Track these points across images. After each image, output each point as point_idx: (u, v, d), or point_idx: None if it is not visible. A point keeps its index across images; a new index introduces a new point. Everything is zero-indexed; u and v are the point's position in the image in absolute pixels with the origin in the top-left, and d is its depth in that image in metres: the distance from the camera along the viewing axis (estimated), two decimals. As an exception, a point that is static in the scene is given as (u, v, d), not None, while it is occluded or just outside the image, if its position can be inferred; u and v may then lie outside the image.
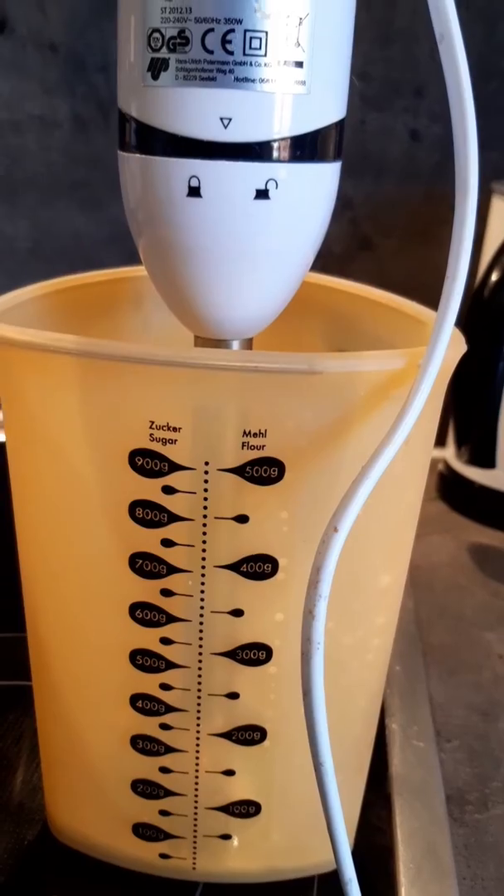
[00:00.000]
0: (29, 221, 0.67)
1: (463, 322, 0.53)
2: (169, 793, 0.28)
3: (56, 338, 0.22)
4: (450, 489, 0.62)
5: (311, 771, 0.23)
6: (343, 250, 0.66)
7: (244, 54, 0.21)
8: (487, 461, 0.53)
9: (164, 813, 0.29)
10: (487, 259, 0.53)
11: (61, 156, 0.65)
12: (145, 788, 0.28)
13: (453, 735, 0.39)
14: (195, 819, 0.29)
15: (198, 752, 0.27)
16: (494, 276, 0.51)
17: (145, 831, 0.29)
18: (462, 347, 0.24)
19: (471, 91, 0.22)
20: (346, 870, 0.22)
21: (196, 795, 0.28)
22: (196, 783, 0.28)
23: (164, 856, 0.30)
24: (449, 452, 0.62)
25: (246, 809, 0.28)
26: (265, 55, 0.21)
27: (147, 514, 0.24)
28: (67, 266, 0.76)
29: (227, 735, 0.27)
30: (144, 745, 0.27)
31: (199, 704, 0.26)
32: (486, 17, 0.59)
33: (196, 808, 0.28)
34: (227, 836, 0.29)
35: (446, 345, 0.22)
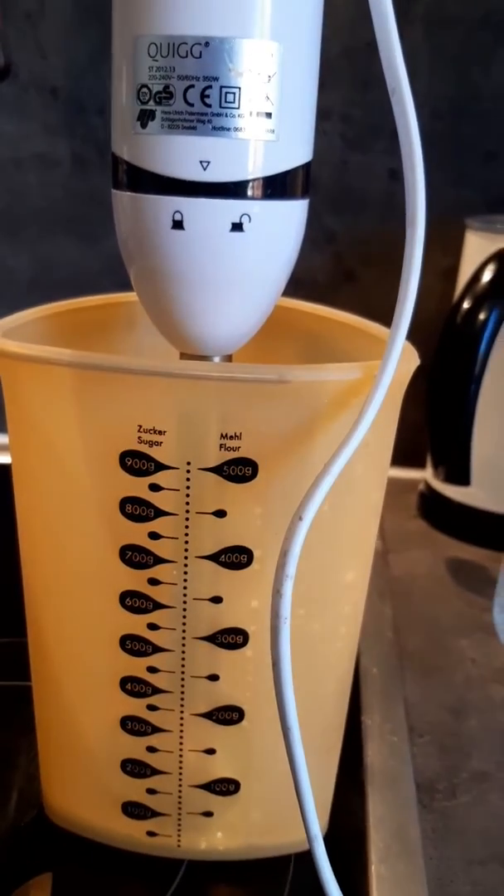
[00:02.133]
0: (29, 254, 0.71)
1: (437, 347, 0.56)
2: (155, 771, 0.31)
3: (55, 351, 0.25)
4: (429, 508, 0.65)
5: (285, 750, 0.25)
6: (328, 281, 0.70)
7: (220, 107, 0.24)
8: (463, 479, 0.56)
9: (150, 791, 0.31)
10: (461, 288, 0.57)
11: (61, 192, 0.69)
12: (134, 768, 0.31)
13: (425, 731, 0.41)
14: (179, 797, 0.31)
15: (181, 731, 0.30)
16: (466, 305, 0.54)
17: (133, 809, 0.32)
18: (415, 361, 0.27)
19: (419, 138, 0.26)
20: (311, 826, 0.25)
21: (180, 773, 0.31)
22: (180, 762, 0.30)
23: (150, 833, 0.32)
24: (428, 473, 0.65)
25: (226, 787, 0.31)
26: (238, 107, 0.24)
27: (135, 509, 0.27)
28: (65, 296, 0.79)
29: (209, 715, 0.30)
30: (133, 725, 0.30)
31: (182, 686, 0.29)
32: (459, 63, 0.63)
33: (180, 785, 0.31)
34: (209, 814, 0.31)
35: (398, 358, 0.25)
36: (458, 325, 0.54)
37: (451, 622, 0.51)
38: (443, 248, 0.66)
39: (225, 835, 0.32)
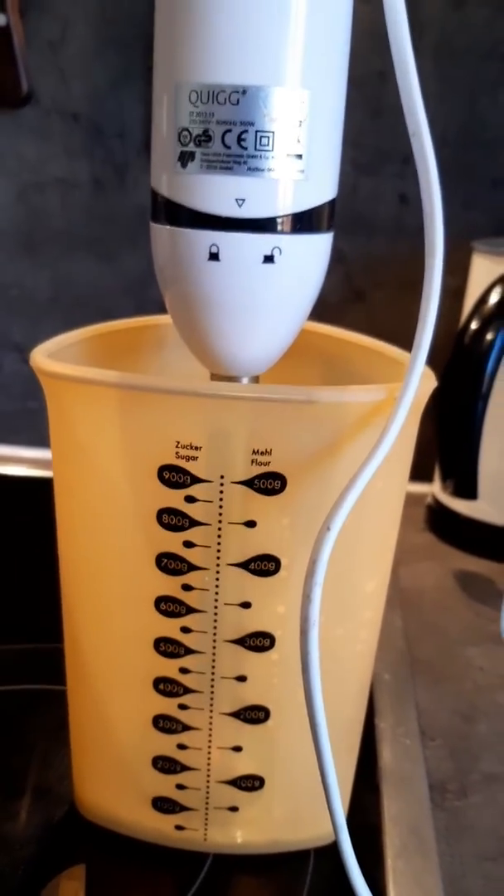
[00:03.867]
0: (50, 273, 0.73)
1: (446, 365, 0.58)
2: (184, 768, 0.32)
3: (101, 373, 0.27)
4: (437, 521, 0.67)
5: (308, 749, 0.27)
6: (338, 301, 0.72)
7: (255, 149, 0.26)
8: (470, 493, 0.58)
9: (179, 787, 0.33)
10: (468, 309, 0.59)
11: (80, 214, 0.71)
12: (164, 764, 0.32)
13: (436, 735, 0.43)
14: (207, 792, 0.33)
15: (210, 729, 0.32)
16: (473, 325, 0.57)
17: (163, 804, 0.33)
18: (432, 383, 0.29)
19: (437, 176, 0.28)
20: (336, 815, 0.27)
21: (208, 770, 0.32)
22: (208, 758, 0.32)
23: (179, 827, 0.34)
24: (436, 487, 0.67)
25: (251, 783, 0.33)
26: (272, 150, 0.26)
27: (171, 519, 0.29)
28: (84, 313, 0.82)
29: (236, 714, 0.31)
30: (165, 724, 0.32)
31: (212, 686, 0.31)
32: (469, 92, 0.65)
33: (208, 781, 0.33)
34: (234, 809, 0.33)
35: (418, 381, 0.27)
36: (467, 345, 0.56)
37: (459, 632, 0.53)
38: (451, 268, 0.67)
39: (249, 829, 0.34)
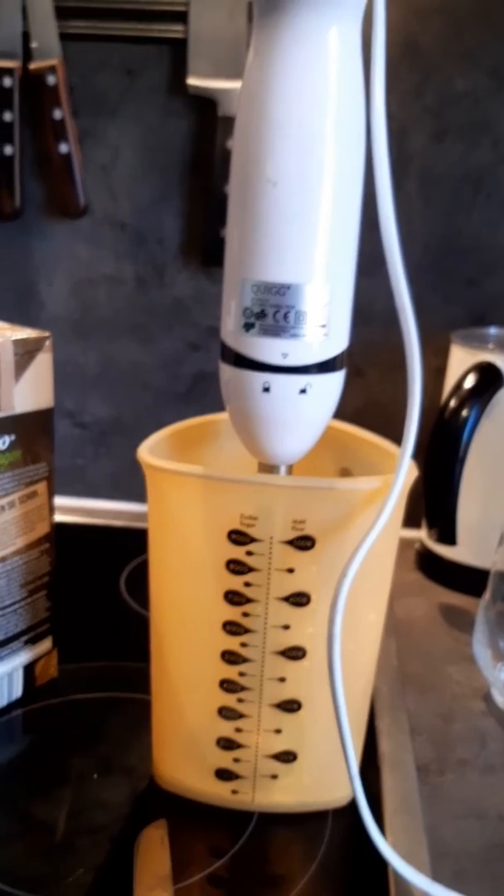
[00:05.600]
0: (97, 353, 0.86)
1: (430, 436, 0.71)
2: (239, 745, 0.45)
3: (189, 467, 0.40)
4: (425, 563, 0.79)
5: (331, 731, 0.39)
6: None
7: (295, 322, 0.39)
8: (450, 540, 0.70)
9: (236, 760, 0.45)
10: (448, 389, 0.72)
11: (125, 304, 0.85)
12: (225, 743, 0.45)
13: (422, 731, 0.55)
14: (255, 764, 0.45)
15: (259, 717, 0.44)
16: (452, 404, 0.69)
17: (223, 774, 0.46)
18: (415, 473, 0.43)
19: (408, 300, 0.41)
20: (352, 767, 0.39)
21: (257, 747, 0.45)
22: (257, 738, 0.45)
23: (234, 791, 0.46)
24: (423, 533, 0.80)
25: (288, 757, 0.45)
26: (306, 323, 0.39)
27: (235, 567, 0.41)
28: (125, 387, 0.96)
29: (278, 706, 0.44)
30: (226, 713, 0.44)
31: (261, 685, 0.44)
32: (447, 209, 0.79)
33: (256, 755, 0.45)
34: (275, 777, 0.46)
35: (405, 474, 0.40)
36: (447, 420, 0.69)
37: (441, 653, 0.65)
38: (434, 351, 0.81)
39: (286, 793, 0.46)
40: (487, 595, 0.58)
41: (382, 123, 0.38)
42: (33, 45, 0.78)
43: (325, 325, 0.39)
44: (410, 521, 0.82)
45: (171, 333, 0.84)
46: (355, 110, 0.38)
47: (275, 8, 0.36)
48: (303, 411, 0.40)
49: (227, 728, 0.45)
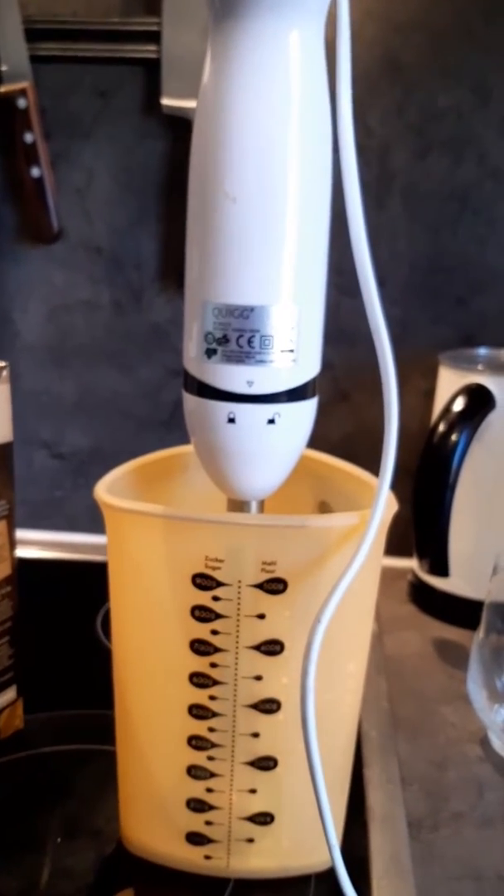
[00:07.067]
0: (75, 381, 0.84)
1: (419, 462, 0.68)
2: (212, 807, 0.41)
3: (149, 506, 0.37)
4: (417, 594, 0.76)
5: (309, 790, 0.36)
6: (327, 400, 0.81)
7: (260, 348, 0.36)
8: (442, 571, 0.67)
9: (208, 823, 0.42)
10: (437, 410, 0.69)
11: (103, 330, 0.82)
12: (195, 805, 0.41)
13: (414, 780, 0.52)
14: (229, 827, 0.42)
15: (232, 776, 0.41)
16: (441, 428, 0.67)
17: (194, 838, 0.42)
18: (394, 507, 0.39)
19: (385, 329, 0.38)
20: (330, 837, 0.36)
21: (230, 808, 0.41)
22: (230, 799, 0.41)
23: (207, 857, 0.42)
24: (416, 564, 0.77)
25: (265, 819, 0.42)
26: (272, 348, 0.36)
27: (202, 613, 0.38)
28: (103, 416, 0.93)
29: (252, 763, 0.40)
30: (196, 772, 0.41)
31: (233, 742, 0.40)
32: (433, 227, 0.77)
33: (230, 818, 0.41)
34: (251, 840, 0.42)
35: (383, 510, 0.37)
36: (436, 445, 0.66)
37: (435, 693, 0.62)
38: (423, 374, 0.79)
39: (263, 857, 0.43)
40: (481, 631, 0.55)
41: (350, 133, 0.35)
42: (3, 68, 0.76)
43: (293, 349, 0.36)
44: (402, 549, 0.79)
45: (151, 359, 0.81)
46: (320, 119, 0.35)
47: (230, 11, 0.33)
48: (271, 443, 0.37)
49: (197, 788, 0.41)
